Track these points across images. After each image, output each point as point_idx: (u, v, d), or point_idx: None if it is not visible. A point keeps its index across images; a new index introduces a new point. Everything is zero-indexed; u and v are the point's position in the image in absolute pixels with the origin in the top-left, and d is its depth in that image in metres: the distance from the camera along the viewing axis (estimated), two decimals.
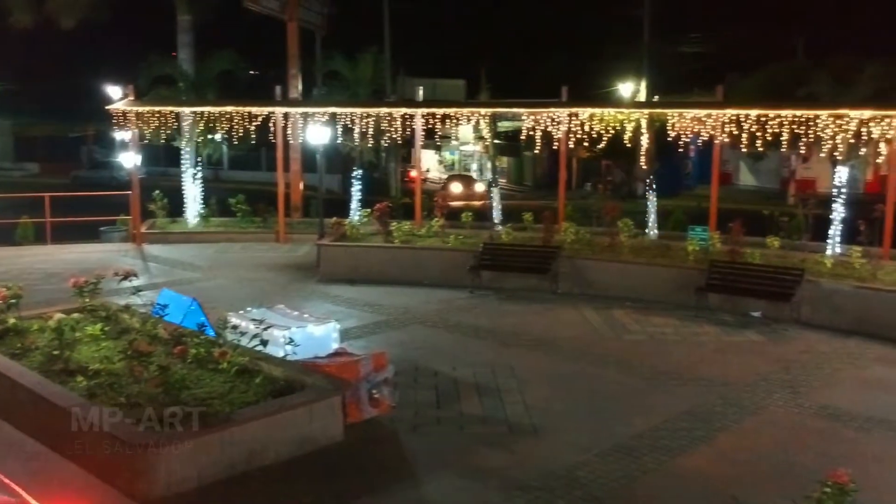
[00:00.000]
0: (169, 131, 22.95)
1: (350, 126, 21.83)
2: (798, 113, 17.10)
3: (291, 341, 10.02)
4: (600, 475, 8.22)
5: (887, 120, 16.20)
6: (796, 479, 7.75)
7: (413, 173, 35.94)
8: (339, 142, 23.70)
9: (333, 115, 21.81)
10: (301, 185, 27.95)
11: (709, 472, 8.37)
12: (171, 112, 22.66)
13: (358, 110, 21.75)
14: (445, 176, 50.74)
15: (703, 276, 15.26)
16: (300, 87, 29.14)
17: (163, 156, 42.63)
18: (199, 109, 22.82)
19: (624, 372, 11.70)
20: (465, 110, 22.24)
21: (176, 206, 24.40)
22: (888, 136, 16.42)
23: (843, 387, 11.19)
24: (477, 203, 30.51)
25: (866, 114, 16.32)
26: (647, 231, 20.12)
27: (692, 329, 14.06)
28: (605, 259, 17.02)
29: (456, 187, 39.73)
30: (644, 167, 22.05)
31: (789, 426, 9.76)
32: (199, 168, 24.35)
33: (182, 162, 24.43)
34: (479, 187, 37.74)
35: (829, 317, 14.04)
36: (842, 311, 13.97)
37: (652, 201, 20.66)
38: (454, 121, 21.80)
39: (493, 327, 14.05)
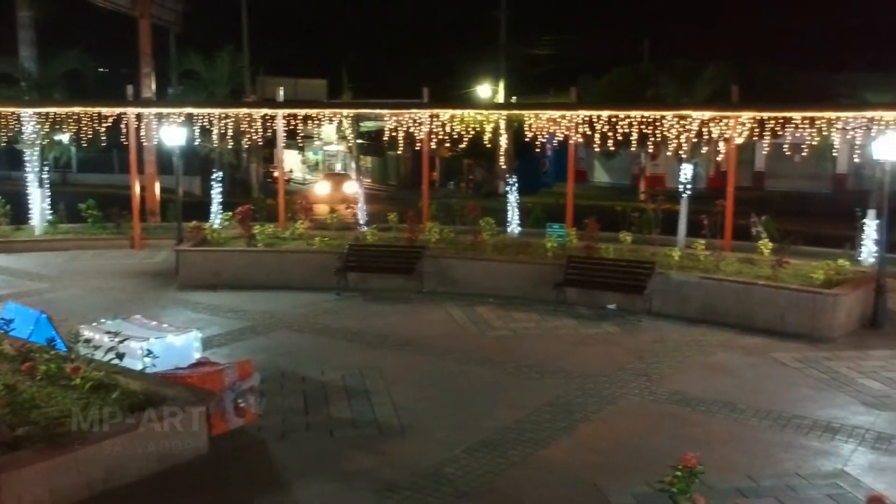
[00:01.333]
0: (10, 133, 21.67)
1: (208, 127, 21.27)
2: (645, 113, 18.08)
3: (150, 353, 9.69)
4: (468, 471, 8.40)
5: (725, 120, 17.37)
6: (652, 463, 8.15)
7: (276, 174, 35.17)
8: (196, 143, 23.04)
9: (190, 116, 21.19)
10: (157, 188, 26.95)
11: (571, 462, 8.70)
12: (13, 113, 21.42)
13: (216, 111, 21.23)
14: (310, 176, 49.87)
15: (561, 271, 15.83)
16: (154, 86, 28.10)
17: (4, 159, 40.04)
18: (43, 110, 21.66)
19: (488, 367, 11.99)
20: (327, 111, 22.16)
21: (20, 213, 23.04)
22: (726, 136, 17.60)
23: (692, 373, 11.89)
24: (342, 205, 29.74)
25: (706, 114, 17.44)
26: (508, 229, 20.66)
27: (552, 323, 14.57)
28: (468, 257, 17.36)
29: (322, 187, 38.52)
30: (504, 166, 22.62)
31: (644, 413, 10.28)
32: (44, 171, 23.01)
33: (26, 165, 23.03)
34: (351, 187, 36.31)
35: (678, 307, 14.87)
36: (689, 301, 14.84)
37: (512, 199, 21.23)
38: (316, 121, 21.66)
39: (360, 329, 14.06)
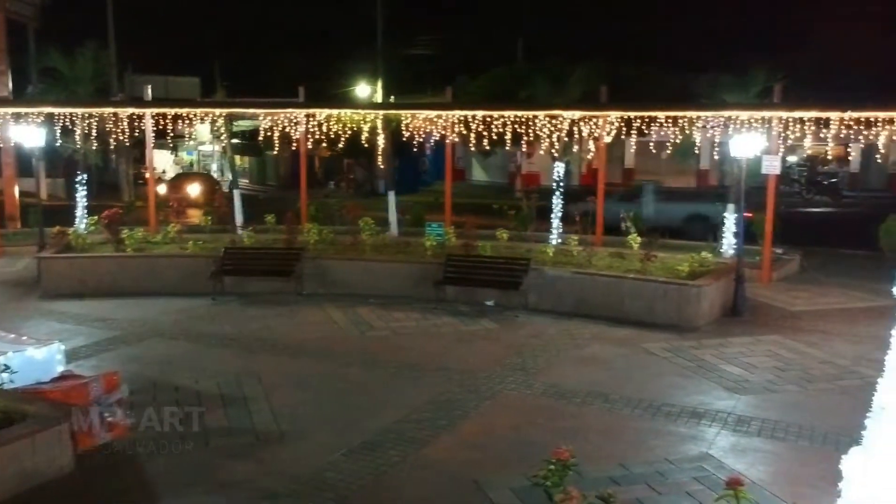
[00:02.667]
0: None
1: (71, 127, 20.28)
2: (519, 113, 18.45)
3: (7, 368, 9.12)
4: (349, 474, 8.33)
5: (594, 119, 17.96)
6: (530, 456, 8.29)
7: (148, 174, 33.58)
8: (59, 143, 21.94)
9: (51, 116, 20.14)
10: (16, 192, 25.45)
11: (452, 459, 8.77)
12: None
13: (78, 110, 20.26)
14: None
15: (440, 270, 15.96)
16: (10, 84, 26.53)
17: None
18: None
19: (369, 368, 11.96)
20: (199, 110, 21.50)
21: None
22: (595, 134, 18.20)
23: (567, 365, 12.23)
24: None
25: (577, 114, 17.98)
26: (388, 228, 20.66)
27: (432, 321, 14.67)
28: (348, 258, 17.27)
29: (161, 189, 36.09)
30: (383, 166, 22.63)
31: (522, 407, 10.48)
32: None
33: None
34: (195, 189, 35.01)
35: (553, 301, 15.25)
36: (563, 295, 15.24)
37: (392, 199, 21.23)
38: (188, 120, 21.01)
39: (237, 334, 13.75)
